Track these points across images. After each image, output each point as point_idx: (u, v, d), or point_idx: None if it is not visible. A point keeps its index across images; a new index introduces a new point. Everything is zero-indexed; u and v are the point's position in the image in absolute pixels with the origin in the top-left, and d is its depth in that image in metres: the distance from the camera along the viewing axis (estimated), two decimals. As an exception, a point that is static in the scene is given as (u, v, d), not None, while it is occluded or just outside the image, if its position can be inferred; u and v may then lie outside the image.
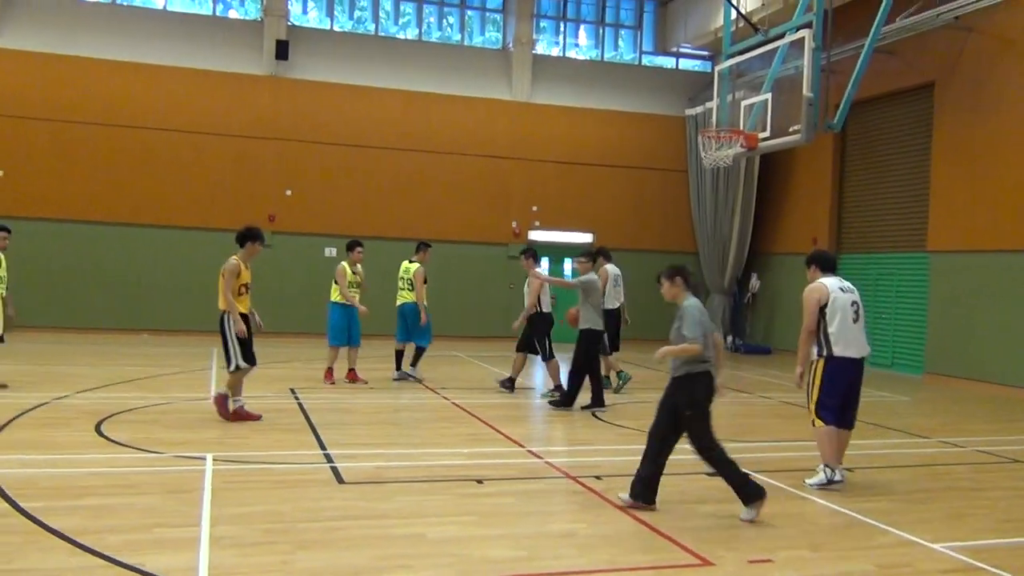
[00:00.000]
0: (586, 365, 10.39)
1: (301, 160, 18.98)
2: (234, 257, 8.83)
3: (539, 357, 11.56)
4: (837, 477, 6.86)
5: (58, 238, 17.66)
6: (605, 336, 11.03)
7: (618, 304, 12.10)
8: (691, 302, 6.14)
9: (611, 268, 11.99)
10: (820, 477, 6.89)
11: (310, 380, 12.00)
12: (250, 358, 8.85)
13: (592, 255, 11.18)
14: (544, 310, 11.38)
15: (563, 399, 10.47)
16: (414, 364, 12.61)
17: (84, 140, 17.79)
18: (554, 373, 11.37)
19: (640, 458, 6.18)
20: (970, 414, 11.71)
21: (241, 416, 8.82)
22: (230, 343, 8.74)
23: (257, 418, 8.89)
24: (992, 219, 14.20)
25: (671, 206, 21.41)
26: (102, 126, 17.85)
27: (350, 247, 12.00)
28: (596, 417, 10.08)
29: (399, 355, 12.57)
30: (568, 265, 20.18)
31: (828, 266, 7.16)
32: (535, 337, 11.40)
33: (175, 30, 18.50)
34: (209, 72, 18.43)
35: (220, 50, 18.63)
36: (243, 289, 8.86)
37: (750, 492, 5.94)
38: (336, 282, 11.77)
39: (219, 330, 8.80)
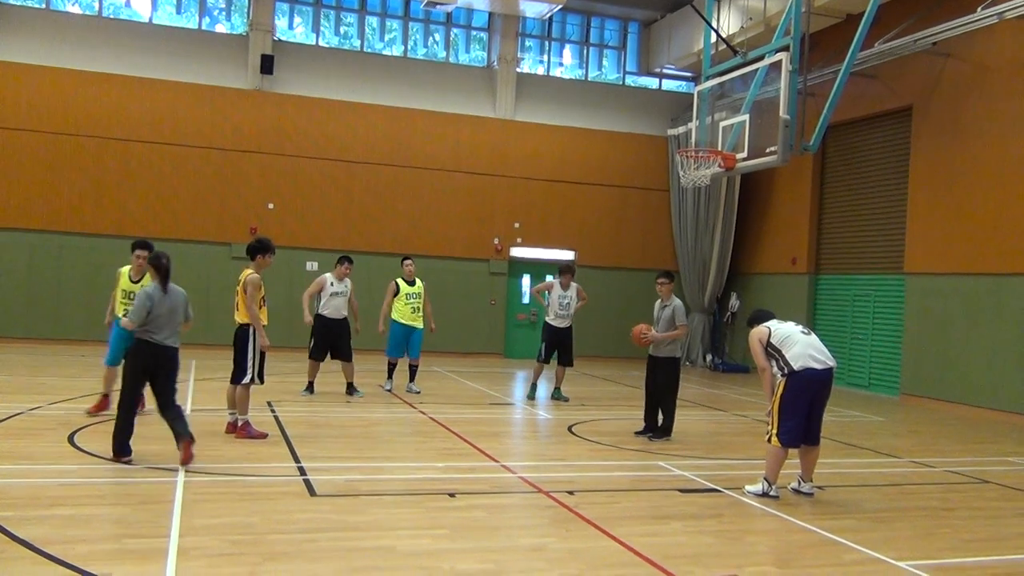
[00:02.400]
0: (669, 393, 9.96)
1: (284, 174, 18.98)
2: (250, 269, 8.70)
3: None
4: (772, 492, 7.22)
5: (39, 249, 17.56)
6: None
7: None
8: (149, 288, 7.35)
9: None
10: (758, 487, 7.30)
11: (287, 393, 11.98)
12: (262, 374, 8.72)
13: (671, 275, 10.24)
14: (318, 312, 11.96)
15: (664, 430, 9.97)
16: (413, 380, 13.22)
17: (68, 152, 17.72)
18: (312, 371, 12.07)
19: None
20: (943, 435, 11.82)
21: (253, 435, 8.63)
22: (250, 356, 8.59)
23: (264, 436, 8.71)
24: (967, 242, 14.39)
25: (652, 225, 21.54)
26: (86, 137, 17.80)
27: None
28: (572, 432, 10.11)
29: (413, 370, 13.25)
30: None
31: (765, 318, 7.64)
32: (313, 337, 12.01)
33: (161, 44, 18.49)
34: (194, 85, 18.43)
35: (206, 64, 18.65)
36: (261, 302, 8.76)
37: (121, 446, 7.25)
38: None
39: (233, 343, 8.66)
